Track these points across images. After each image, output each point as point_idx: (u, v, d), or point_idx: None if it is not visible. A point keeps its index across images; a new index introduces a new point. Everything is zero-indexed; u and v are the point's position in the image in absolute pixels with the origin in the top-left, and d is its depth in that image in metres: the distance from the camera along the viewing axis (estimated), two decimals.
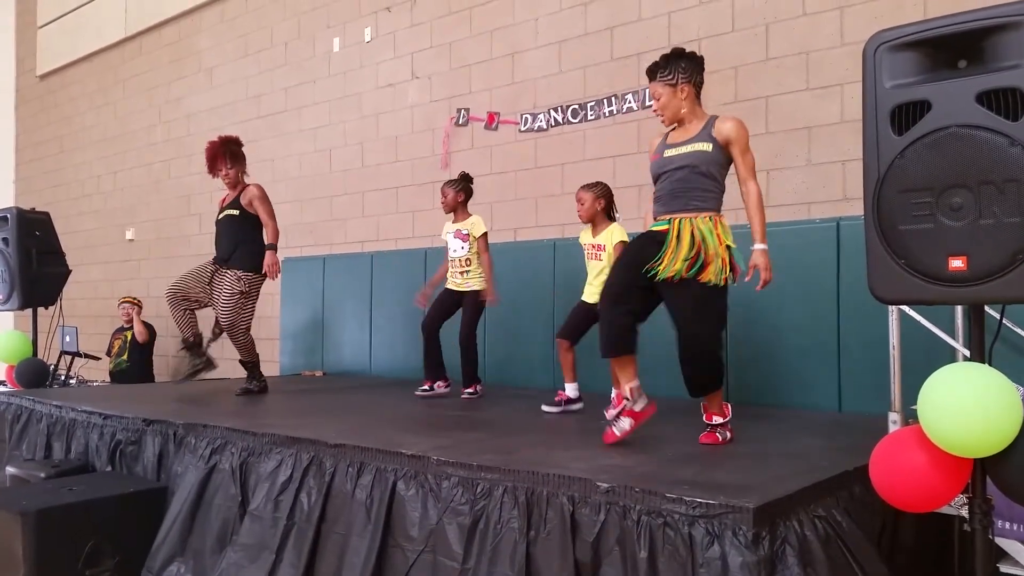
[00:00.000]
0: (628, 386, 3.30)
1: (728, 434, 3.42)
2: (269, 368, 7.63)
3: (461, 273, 5.22)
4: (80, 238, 10.47)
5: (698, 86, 3.48)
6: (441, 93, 6.99)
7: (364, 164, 7.57)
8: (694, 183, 3.36)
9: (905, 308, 3.40)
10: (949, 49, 2.12)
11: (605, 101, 5.95)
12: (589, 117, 6.04)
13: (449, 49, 6.95)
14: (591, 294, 4.62)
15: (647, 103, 5.71)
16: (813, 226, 4.79)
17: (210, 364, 5.51)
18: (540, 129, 6.32)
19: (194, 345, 5.47)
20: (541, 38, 6.35)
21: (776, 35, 5.20)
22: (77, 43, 11.10)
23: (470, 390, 5.17)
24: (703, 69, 3.50)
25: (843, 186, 4.89)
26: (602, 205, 4.62)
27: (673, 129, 3.55)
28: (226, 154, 5.39)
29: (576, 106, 6.11)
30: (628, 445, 3.24)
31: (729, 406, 3.48)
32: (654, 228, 3.44)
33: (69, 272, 7.15)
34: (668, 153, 3.46)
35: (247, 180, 5.50)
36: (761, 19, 5.26)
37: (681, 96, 3.42)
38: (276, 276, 5.35)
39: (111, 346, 8.50)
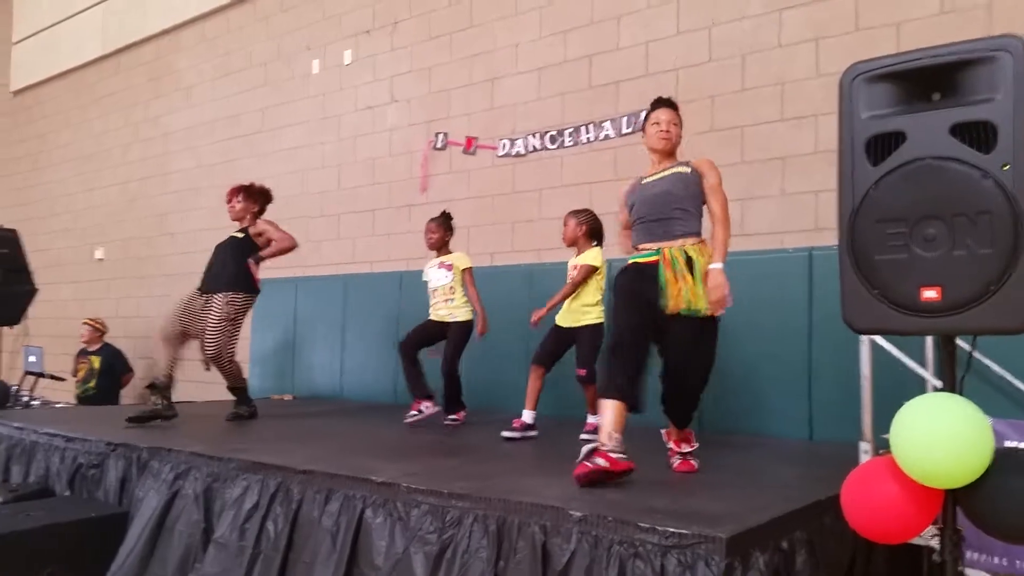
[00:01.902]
0: (615, 434, 3.05)
1: (697, 461, 3.43)
2: None
3: (446, 302, 5.20)
4: (49, 256, 10.32)
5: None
6: (420, 117, 6.99)
7: (341, 186, 7.54)
8: (674, 204, 3.39)
9: (877, 338, 3.41)
10: (924, 82, 2.14)
11: (583, 128, 5.98)
12: (567, 143, 6.07)
13: (429, 73, 6.96)
14: (564, 318, 4.67)
15: (624, 131, 5.75)
16: (786, 256, 4.81)
17: (171, 411, 5.07)
18: (518, 154, 6.33)
19: (163, 388, 5.14)
20: (521, 64, 6.39)
21: (752, 66, 5.25)
22: (53, 60, 11.02)
23: (453, 416, 5.12)
24: None
25: (816, 216, 4.92)
26: (583, 231, 4.70)
27: (642, 176, 3.62)
28: (244, 190, 5.39)
29: (554, 132, 6.13)
30: None
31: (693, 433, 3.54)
32: (641, 260, 3.41)
33: (36, 291, 7.03)
34: (647, 180, 3.53)
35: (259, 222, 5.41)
36: (738, 50, 5.31)
37: (680, 139, 3.57)
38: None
39: (76, 369, 8.34)
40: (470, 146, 6.60)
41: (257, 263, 5.17)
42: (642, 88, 5.69)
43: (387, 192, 7.16)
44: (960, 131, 2.07)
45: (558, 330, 4.70)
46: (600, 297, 4.62)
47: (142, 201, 9.53)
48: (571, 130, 6.05)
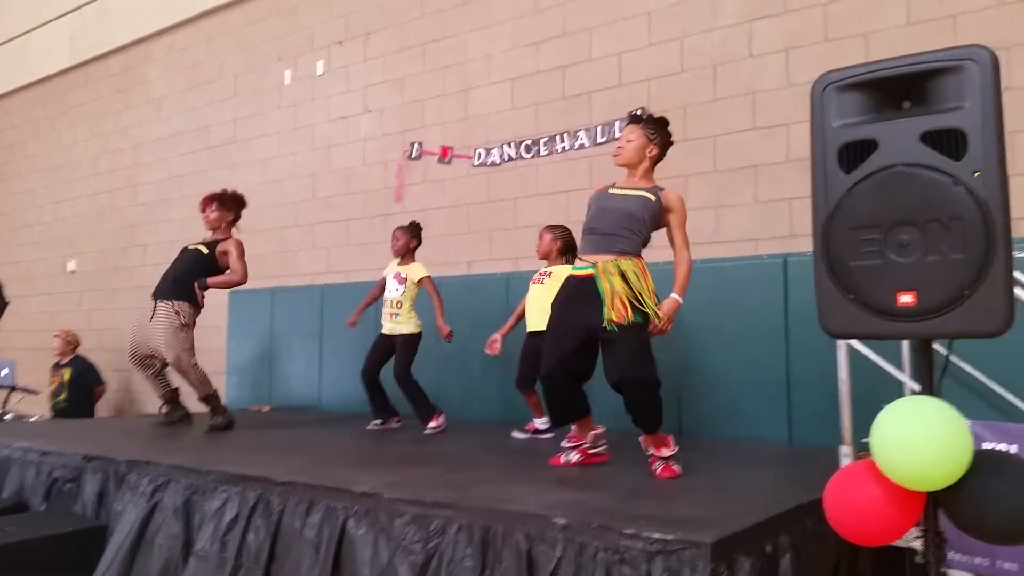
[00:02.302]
0: (592, 433, 3.67)
1: (679, 466, 3.46)
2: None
3: (391, 315, 5.26)
4: (21, 269, 10.17)
5: (661, 155, 3.65)
6: (394, 127, 6.99)
7: (315, 196, 7.51)
8: (625, 224, 3.47)
9: (854, 342, 3.46)
10: (894, 90, 2.18)
11: (558, 137, 6.02)
12: (542, 153, 6.10)
13: (402, 83, 6.97)
14: (532, 323, 4.79)
15: (598, 140, 5.79)
16: (761, 262, 4.87)
17: (187, 418, 5.43)
18: (493, 163, 6.35)
19: (173, 400, 5.44)
20: (494, 75, 6.41)
21: (724, 76, 5.32)
22: (21, 70, 10.87)
23: (432, 424, 5.12)
24: (668, 149, 3.68)
25: (790, 223, 4.99)
26: (558, 246, 4.84)
27: (614, 184, 3.68)
28: (218, 199, 5.37)
29: (529, 141, 6.16)
30: (584, 479, 3.22)
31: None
32: (578, 273, 3.53)
33: (7, 304, 6.92)
34: (612, 191, 3.60)
35: (233, 233, 5.43)
36: (709, 60, 5.38)
37: (647, 152, 3.59)
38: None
39: (51, 382, 8.22)
40: (445, 155, 6.62)
41: (202, 289, 5.17)
42: (615, 98, 5.75)
43: (362, 202, 7.15)
44: (930, 138, 2.11)
45: (530, 340, 4.78)
46: None
47: (112, 213, 9.43)
48: (546, 139, 6.08)
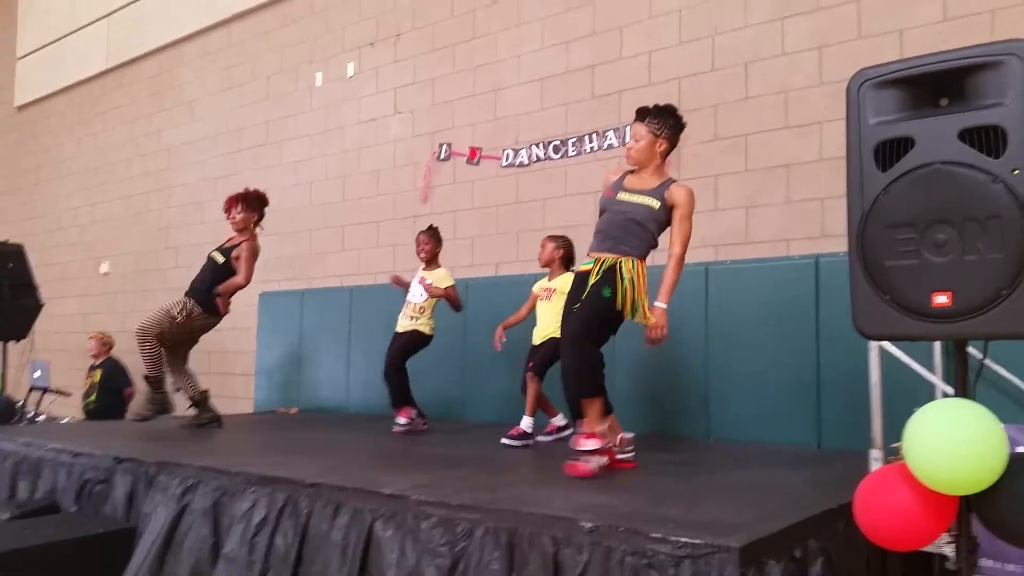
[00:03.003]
0: (620, 437, 3.51)
1: (604, 459, 3.39)
2: (243, 404, 7.54)
3: (412, 319, 5.30)
4: (55, 270, 10.34)
5: (672, 147, 3.63)
6: (423, 128, 7.00)
7: (345, 198, 7.55)
8: (630, 230, 3.52)
9: (885, 344, 3.40)
10: (931, 87, 2.13)
11: (587, 138, 5.99)
12: (571, 153, 6.07)
13: (432, 85, 6.98)
14: (536, 336, 4.86)
15: (627, 140, 5.74)
16: (792, 263, 4.80)
17: (216, 420, 5.45)
18: (522, 164, 6.34)
19: (201, 402, 5.47)
20: (523, 75, 6.40)
21: (755, 74, 5.26)
22: (57, 74, 11.07)
23: (401, 420, 5.16)
24: (680, 133, 3.67)
25: (821, 223, 4.92)
26: (560, 255, 4.87)
27: (631, 172, 3.68)
28: (242, 199, 5.44)
29: (558, 142, 6.14)
30: (610, 482, 3.19)
31: (609, 430, 3.51)
32: (582, 268, 3.62)
33: (42, 305, 7.03)
34: (621, 196, 3.59)
35: (257, 232, 5.52)
36: (740, 59, 5.32)
37: (657, 148, 3.58)
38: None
39: (85, 384, 8.34)
40: (474, 156, 6.61)
41: (217, 297, 5.26)
42: (645, 98, 5.65)
43: (391, 203, 7.17)
44: (969, 136, 2.06)
45: (532, 349, 4.87)
46: None
47: (145, 215, 9.56)
48: (574, 140, 6.06)
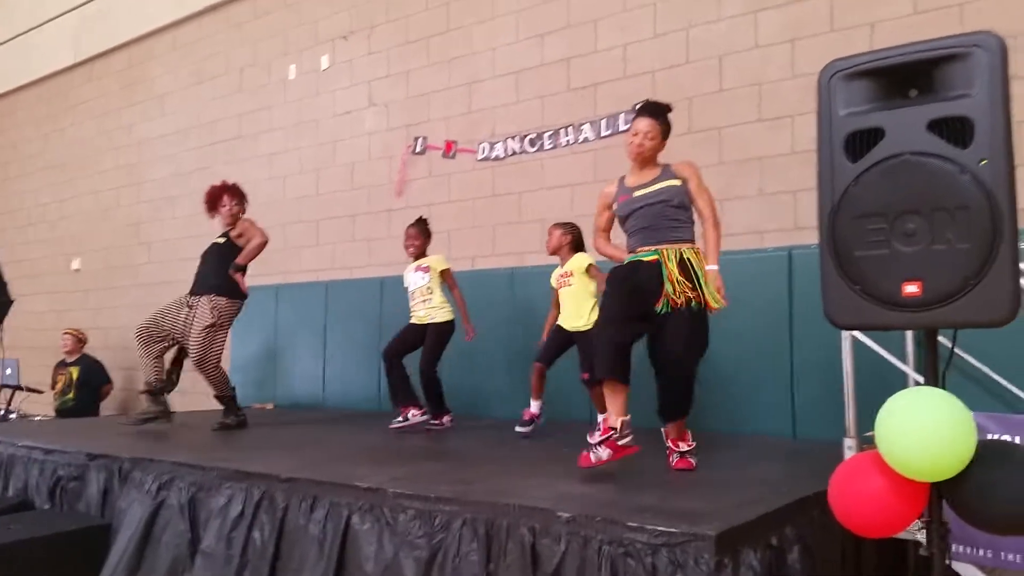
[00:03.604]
0: (620, 419, 3.28)
1: (696, 459, 3.45)
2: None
3: (423, 302, 5.17)
4: (25, 267, 10.18)
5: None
6: (398, 121, 6.97)
7: (320, 191, 7.51)
8: (669, 215, 3.52)
9: (857, 334, 3.44)
10: (901, 78, 2.16)
11: (562, 131, 5.99)
12: (546, 146, 6.07)
13: (407, 77, 6.95)
14: (567, 322, 4.70)
15: (603, 133, 5.77)
16: (765, 255, 4.84)
17: (166, 414, 5.21)
18: (497, 158, 6.33)
19: (157, 392, 5.23)
20: (499, 68, 6.39)
21: (729, 67, 5.29)
22: (24, 68, 10.88)
23: (436, 421, 5.08)
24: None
25: (794, 215, 4.96)
26: (568, 240, 4.79)
27: (622, 178, 3.71)
28: (230, 191, 5.36)
29: (533, 135, 6.14)
30: (588, 473, 3.20)
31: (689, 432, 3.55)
32: (642, 258, 3.52)
33: (12, 302, 6.93)
34: (638, 193, 3.59)
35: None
36: (714, 51, 5.35)
37: (660, 145, 3.63)
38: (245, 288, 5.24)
39: (54, 381, 8.23)
40: (449, 150, 6.60)
41: (236, 272, 5.13)
42: (620, 90, 5.72)
43: (366, 197, 7.14)
44: (937, 127, 2.08)
45: (562, 332, 4.73)
46: (595, 302, 4.61)
47: (116, 211, 9.43)
48: (550, 133, 6.06)
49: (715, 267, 3.48)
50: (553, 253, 4.86)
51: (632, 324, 3.39)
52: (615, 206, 3.70)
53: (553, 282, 4.86)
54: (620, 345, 3.32)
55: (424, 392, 5.10)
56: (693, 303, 3.38)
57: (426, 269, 5.19)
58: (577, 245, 4.81)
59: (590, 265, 4.63)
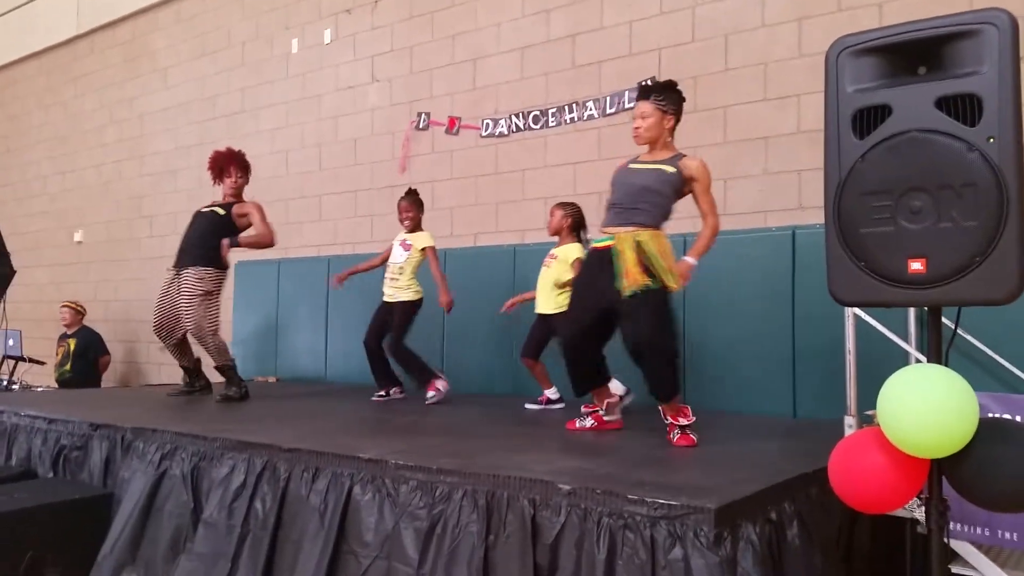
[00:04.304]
0: (607, 401, 3.75)
1: (695, 435, 3.47)
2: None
3: (391, 280, 5.25)
4: (27, 239, 10.18)
5: (678, 121, 3.65)
6: (402, 97, 6.94)
7: (322, 167, 7.49)
8: (645, 198, 3.50)
9: (860, 313, 3.44)
10: (909, 55, 2.14)
11: (566, 108, 5.96)
12: (551, 124, 6.05)
13: (410, 53, 6.91)
14: (539, 305, 4.86)
15: (608, 111, 5.75)
16: (769, 234, 4.84)
17: (208, 388, 5.46)
18: (501, 135, 6.31)
19: (193, 371, 5.48)
20: (503, 44, 6.35)
21: (735, 46, 5.26)
22: (26, 40, 10.81)
23: (431, 392, 5.08)
24: (682, 107, 3.69)
25: (799, 195, 4.95)
26: (568, 223, 4.83)
27: (636, 157, 3.70)
28: (238, 162, 5.36)
29: (537, 112, 6.11)
30: (589, 447, 3.23)
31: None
32: (598, 245, 3.60)
33: (14, 273, 6.92)
34: (633, 166, 3.61)
35: (246, 197, 5.45)
36: (720, 30, 5.32)
37: (665, 124, 3.60)
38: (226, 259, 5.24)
39: (57, 352, 8.27)
40: (453, 126, 6.57)
41: (231, 246, 5.13)
42: (625, 68, 5.69)
43: (369, 173, 7.12)
44: (945, 104, 2.07)
45: (539, 318, 4.84)
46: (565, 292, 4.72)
47: (118, 184, 9.42)
48: (554, 110, 6.04)
49: (693, 260, 3.52)
50: (554, 234, 4.89)
51: (593, 335, 3.56)
52: (614, 173, 3.72)
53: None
54: (586, 363, 3.65)
55: (404, 369, 5.18)
56: (649, 285, 3.36)
57: (408, 246, 5.22)
58: (577, 227, 4.85)
59: (576, 259, 4.65)
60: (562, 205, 4.90)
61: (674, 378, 3.47)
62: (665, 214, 3.55)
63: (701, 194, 3.55)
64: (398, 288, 5.21)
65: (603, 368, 3.74)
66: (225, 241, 5.09)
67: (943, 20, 2.11)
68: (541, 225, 5.85)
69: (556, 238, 4.90)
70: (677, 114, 3.62)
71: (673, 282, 3.40)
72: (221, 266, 5.16)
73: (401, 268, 5.21)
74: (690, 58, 5.42)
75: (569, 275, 4.56)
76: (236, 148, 5.50)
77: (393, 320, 5.17)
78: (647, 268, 3.38)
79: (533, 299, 4.97)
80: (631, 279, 3.36)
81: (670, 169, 3.51)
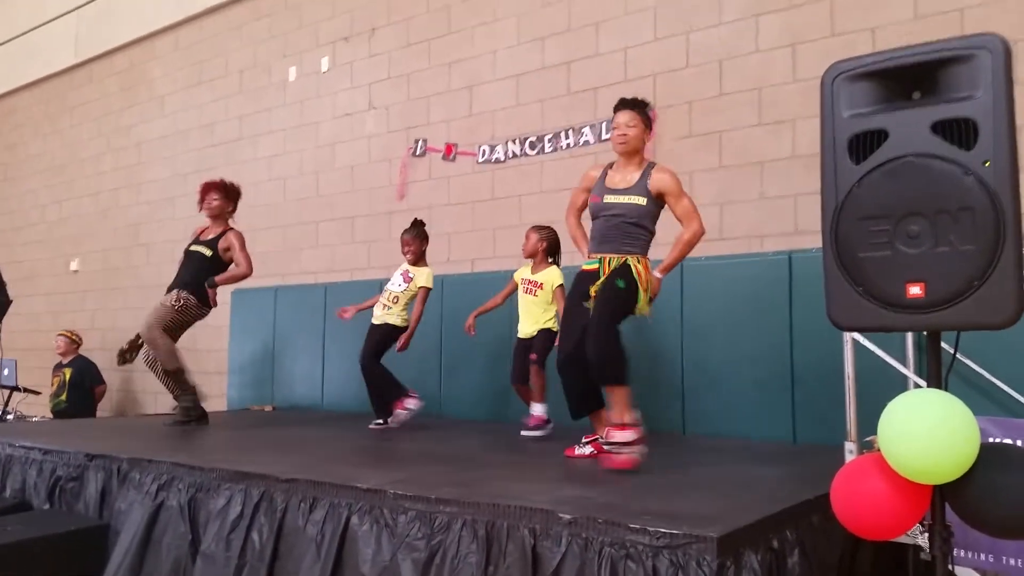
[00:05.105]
0: (606, 428, 3.48)
1: (641, 449, 3.36)
2: (217, 403, 7.46)
3: (384, 306, 5.24)
4: (23, 268, 10.18)
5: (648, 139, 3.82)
6: (398, 124, 6.97)
7: (319, 193, 7.50)
8: (625, 230, 3.62)
9: (859, 338, 3.43)
10: (904, 80, 2.16)
11: (562, 134, 5.99)
12: (546, 149, 6.07)
13: (407, 80, 6.95)
14: (523, 330, 4.95)
15: (603, 136, 5.77)
16: (766, 259, 4.84)
17: (205, 418, 5.39)
18: (498, 161, 6.33)
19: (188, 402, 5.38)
20: (499, 71, 6.39)
21: (729, 71, 5.29)
22: (23, 69, 10.88)
23: (401, 408, 5.06)
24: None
25: (795, 219, 4.96)
26: (544, 247, 4.94)
27: (610, 167, 3.78)
28: (221, 187, 5.42)
29: (533, 138, 6.14)
30: (589, 475, 3.20)
31: (639, 420, 3.44)
32: (586, 267, 3.69)
33: (10, 302, 6.91)
34: (608, 199, 3.67)
35: (231, 224, 5.48)
36: (715, 56, 5.35)
37: (644, 136, 3.72)
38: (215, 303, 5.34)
39: (53, 382, 8.23)
40: (450, 153, 6.60)
41: (211, 287, 5.21)
42: (620, 94, 5.63)
43: (366, 199, 7.14)
44: (941, 128, 2.09)
45: (519, 343, 4.97)
46: (552, 315, 4.87)
47: (115, 212, 9.42)
48: (550, 136, 6.06)
49: (658, 275, 3.63)
50: (529, 257, 5.01)
51: (584, 354, 3.50)
52: (590, 200, 3.79)
53: (517, 279, 5.02)
54: (581, 384, 3.64)
55: (368, 386, 5.18)
56: (619, 281, 3.49)
57: (408, 278, 5.23)
58: (551, 251, 4.96)
59: (560, 286, 4.79)
60: (537, 228, 5.00)
61: (618, 362, 3.43)
62: (649, 239, 3.67)
63: (675, 203, 3.63)
64: (389, 314, 5.21)
65: (599, 392, 3.71)
66: (208, 286, 5.19)
67: (937, 45, 2.13)
68: None
69: (530, 261, 5.02)
70: (649, 129, 3.79)
71: (644, 307, 3.55)
72: (206, 303, 5.26)
73: (396, 297, 5.22)
74: (685, 83, 5.45)
75: (550, 297, 4.81)
76: (227, 180, 5.55)
77: (376, 337, 5.19)
78: (629, 281, 3.52)
79: (491, 308, 5.13)
80: (608, 281, 3.51)
81: (642, 200, 3.60)
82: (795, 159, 4.97)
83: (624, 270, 3.53)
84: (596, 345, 3.41)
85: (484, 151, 6.40)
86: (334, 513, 2.94)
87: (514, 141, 6.24)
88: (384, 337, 5.19)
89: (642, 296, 3.54)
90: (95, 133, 9.85)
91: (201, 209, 5.49)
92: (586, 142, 5.87)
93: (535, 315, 4.90)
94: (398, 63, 7.02)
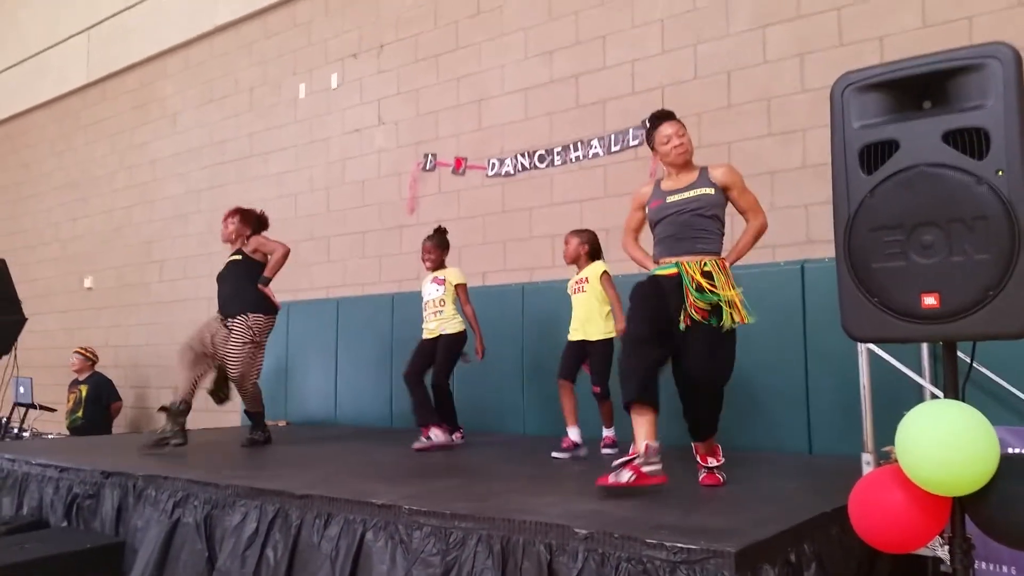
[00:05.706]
0: (644, 443, 3.15)
1: (724, 475, 3.44)
2: (230, 418, 7.48)
3: (435, 314, 5.15)
4: (38, 286, 10.25)
5: None
6: (408, 139, 7.00)
7: (330, 209, 7.53)
8: (698, 225, 3.43)
9: (874, 348, 3.42)
10: (914, 90, 2.16)
11: (571, 146, 6.00)
12: (556, 162, 6.09)
13: (416, 95, 6.98)
14: (574, 331, 4.70)
15: (612, 149, 5.78)
16: (778, 269, 4.82)
17: (182, 438, 4.91)
18: (507, 174, 6.35)
19: (178, 413, 4.96)
20: (508, 85, 6.42)
21: (738, 82, 5.30)
22: (37, 88, 10.99)
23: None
24: None
25: (806, 229, 4.95)
26: (585, 250, 4.77)
27: (658, 182, 3.63)
28: (239, 212, 5.45)
29: (543, 151, 6.15)
30: (604, 491, 3.17)
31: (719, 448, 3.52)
32: (660, 272, 3.46)
33: (25, 321, 6.97)
34: (671, 199, 3.50)
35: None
36: (723, 67, 5.36)
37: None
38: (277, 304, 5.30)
39: (69, 399, 8.27)
40: (459, 167, 6.62)
41: (266, 284, 5.18)
42: (629, 106, 5.73)
43: (377, 214, 7.16)
44: (952, 138, 2.08)
45: (571, 344, 4.71)
46: (609, 310, 4.61)
47: (128, 229, 9.49)
48: (559, 149, 6.07)
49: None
50: (571, 262, 4.85)
51: (657, 345, 3.31)
52: (648, 210, 3.61)
53: (568, 289, 4.83)
54: (646, 368, 3.26)
55: (437, 407, 5.06)
56: (713, 319, 3.28)
57: (441, 281, 5.18)
58: (594, 254, 4.79)
59: (604, 272, 4.61)
60: (577, 233, 4.84)
61: (717, 417, 3.43)
62: (722, 235, 3.52)
63: (738, 197, 3.51)
64: (443, 320, 5.10)
65: (657, 391, 3.32)
66: (261, 286, 5.15)
67: (946, 55, 2.13)
68: (549, 263, 5.87)
69: (571, 268, 4.85)
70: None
71: (738, 316, 3.32)
72: (270, 310, 5.22)
73: (442, 300, 5.13)
74: (693, 95, 5.46)
75: (600, 290, 4.59)
76: (245, 206, 5.57)
77: (439, 355, 5.05)
78: (712, 303, 3.30)
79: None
80: (699, 312, 3.28)
81: (709, 191, 3.44)
82: (806, 169, 4.96)
83: (716, 310, 3.29)
84: (712, 408, 3.40)
85: (494, 164, 6.42)
86: (349, 529, 2.94)
87: (523, 154, 6.26)
88: (446, 351, 5.06)
89: (736, 313, 3.31)
90: (108, 151, 9.94)
91: (224, 239, 5.50)
92: (595, 154, 5.88)
93: (589, 311, 4.62)
94: (407, 79, 7.06)
